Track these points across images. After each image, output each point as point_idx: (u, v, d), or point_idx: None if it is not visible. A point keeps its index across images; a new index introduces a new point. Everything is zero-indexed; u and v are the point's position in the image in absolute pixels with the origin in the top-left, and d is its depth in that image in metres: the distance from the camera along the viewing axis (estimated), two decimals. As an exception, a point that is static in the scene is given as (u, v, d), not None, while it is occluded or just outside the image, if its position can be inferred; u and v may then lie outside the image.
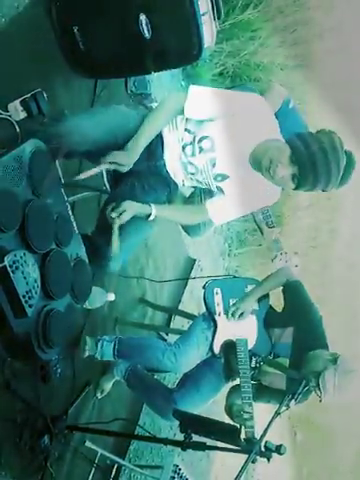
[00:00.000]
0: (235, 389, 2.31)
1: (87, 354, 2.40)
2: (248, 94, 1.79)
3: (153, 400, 2.47)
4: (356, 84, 6.56)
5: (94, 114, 1.82)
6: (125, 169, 1.68)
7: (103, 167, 1.64)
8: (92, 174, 1.62)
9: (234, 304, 2.37)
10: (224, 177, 1.80)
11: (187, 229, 2.22)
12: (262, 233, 2.72)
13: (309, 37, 5.08)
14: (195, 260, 4.11)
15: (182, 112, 1.74)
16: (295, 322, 2.30)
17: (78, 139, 1.66)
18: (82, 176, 1.60)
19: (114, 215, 1.69)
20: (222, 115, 1.70)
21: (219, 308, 2.39)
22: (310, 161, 1.61)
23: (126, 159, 1.66)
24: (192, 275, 3.86)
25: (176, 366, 2.31)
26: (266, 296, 2.43)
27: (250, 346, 2.26)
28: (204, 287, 2.48)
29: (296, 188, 1.72)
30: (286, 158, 1.65)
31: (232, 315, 2.33)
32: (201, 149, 1.76)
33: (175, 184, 1.91)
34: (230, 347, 2.27)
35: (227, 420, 2.26)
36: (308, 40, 5.07)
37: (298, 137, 1.67)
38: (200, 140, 1.75)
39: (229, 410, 2.29)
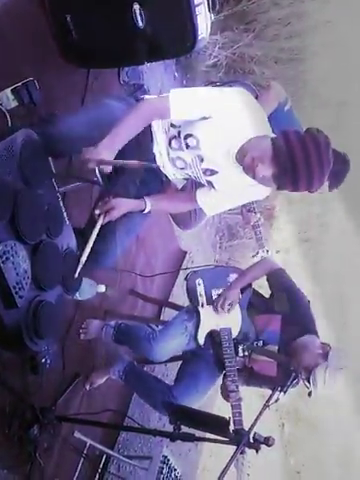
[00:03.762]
0: None
1: (83, 337, 2.48)
2: (232, 91, 1.75)
3: (153, 397, 2.49)
4: (351, 78, 6.56)
5: (85, 115, 1.78)
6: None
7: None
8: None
9: (220, 296, 2.38)
10: (213, 172, 1.79)
11: (178, 221, 2.22)
12: (243, 217, 2.72)
13: (304, 30, 5.06)
14: (186, 252, 4.12)
15: (158, 117, 1.71)
16: (283, 309, 2.32)
17: (71, 143, 1.64)
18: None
19: (98, 212, 1.67)
20: (206, 115, 1.65)
21: (202, 299, 2.41)
22: (290, 162, 1.55)
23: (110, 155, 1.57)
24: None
25: (151, 352, 2.38)
26: (249, 284, 2.45)
27: (235, 334, 2.28)
28: (186, 279, 2.49)
29: (278, 188, 1.68)
30: (268, 158, 1.60)
31: (221, 307, 2.35)
32: (188, 145, 1.74)
33: (167, 177, 1.90)
34: (215, 338, 2.30)
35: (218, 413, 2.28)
36: (303, 33, 5.05)
37: (283, 136, 1.61)
38: (185, 137, 1.72)
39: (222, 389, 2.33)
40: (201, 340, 2.34)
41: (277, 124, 1.84)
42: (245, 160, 1.65)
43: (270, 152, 1.60)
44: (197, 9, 2.17)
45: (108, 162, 1.57)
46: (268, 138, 1.64)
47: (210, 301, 2.41)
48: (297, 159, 1.55)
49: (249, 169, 1.65)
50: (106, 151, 1.55)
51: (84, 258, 1.65)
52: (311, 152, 1.54)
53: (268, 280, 2.45)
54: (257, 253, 2.64)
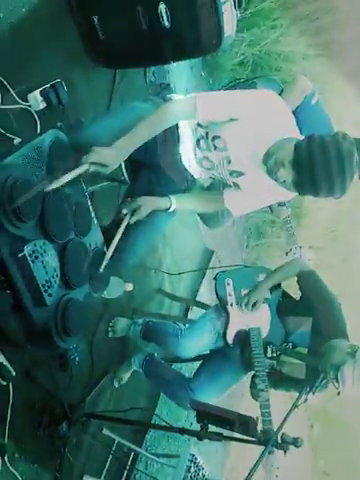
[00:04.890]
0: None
1: (111, 335, 2.54)
2: (259, 92, 1.73)
3: (170, 389, 2.51)
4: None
5: (112, 120, 1.77)
6: (108, 171, 1.51)
7: (84, 169, 1.46)
8: (72, 177, 1.45)
9: (246, 295, 2.38)
10: (239, 173, 1.77)
11: (206, 220, 2.21)
12: (272, 211, 2.68)
13: (332, 26, 4.98)
14: (213, 252, 4.11)
15: (183, 118, 1.69)
16: (313, 311, 2.29)
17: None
18: (61, 181, 1.41)
19: (125, 211, 1.68)
20: (233, 117, 1.64)
21: (231, 298, 2.40)
22: (310, 168, 1.52)
23: (112, 159, 1.50)
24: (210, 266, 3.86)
25: (178, 348, 2.38)
26: (278, 285, 2.43)
27: (263, 335, 2.27)
28: (215, 278, 2.49)
29: (299, 194, 1.65)
30: (288, 162, 1.58)
31: (246, 306, 2.34)
32: (215, 147, 1.73)
33: (192, 177, 1.90)
34: (244, 337, 2.29)
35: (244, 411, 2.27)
36: (331, 29, 4.96)
37: (307, 141, 1.58)
38: (213, 139, 1.72)
39: (251, 389, 2.32)
40: (230, 339, 2.34)
41: (304, 118, 1.82)
42: (269, 164, 1.64)
43: (291, 157, 1.57)
44: (223, 7, 2.16)
45: None
46: (293, 142, 1.61)
47: (239, 301, 2.40)
48: (316, 165, 1.52)
49: (271, 172, 1.64)
50: (118, 151, 1.53)
51: (110, 253, 1.66)
52: (332, 159, 1.50)
53: (298, 282, 2.41)
54: (290, 250, 2.60)
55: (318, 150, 1.53)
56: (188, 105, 1.64)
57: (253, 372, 2.31)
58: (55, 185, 1.40)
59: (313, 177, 1.52)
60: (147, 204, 1.71)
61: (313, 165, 1.52)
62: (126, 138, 1.55)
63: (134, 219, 1.69)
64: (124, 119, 1.71)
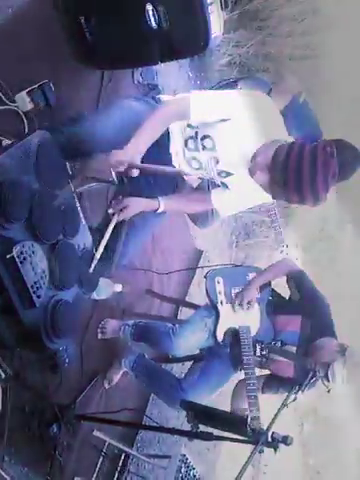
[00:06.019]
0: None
1: (101, 336, 2.54)
2: (249, 93, 1.75)
3: (161, 389, 2.51)
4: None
5: (108, 116, 1.80)
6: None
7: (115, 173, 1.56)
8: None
9: (239, 294, 2.39)
10: (228, 174, 1.79)
11: (195, 220, 2.22)
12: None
13: (319, 26, 5.01)
14: (202, 252, 4.12)
15: (179, 119, 1.71)
16: (302, 311, 2.32)
17: (94, 143, 1.67)
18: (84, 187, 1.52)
19: (111, 211, 1.69)
20: (224, 118, 1.65)
21: (221, 297, 2.42)
22: (282, 175, 1.53)
23: (131, 157, 1.56)
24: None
25: (171, 347, 2.39)
26: (268, 284, 2.45)
27: (253, 333, 2.29)
28: (205, 277, 2.50)
29: (273, 197, 1.67)
30: (266, 167, 1.59)
31: (240, 305, 2.35)
32: (204, 147, 1.75)
33: (182, 177, 1.91)
34: (233, 336, 2.30)
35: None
36: (317, 30, 5.00)
37: (287, 147, 1.58)
38: (202, 138, 1.73)
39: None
40: (220, 337, 2.35)
41: (292, 117, 1.83)
42: (250, 165, 1.66)
43: (269, 161, 1.59)
44: (210, 8, 2.17)
45: (137, 166, 1.56)
46: (276, 146, 1.62)
47: (229, 299, 2.42)
48: (289, 174, 1.52)
49: (250, 174, 1.65)
50: (134, 154, 1.56)
51: (98, 254, 1.67)
52: (304, 170, 1.50)
53: (288, 281, 2.44)
54: (277, 248, 2.62)
55: (293, 158, 1.53)
56: (182, 106, 1.66)
57: (242, 372, 2.33)
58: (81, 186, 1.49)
59: (285, 184, 1.53)
60: (134, 205, 1.72)
61: (286, 173, 1.53)
62: (133, 143, 1.57)
63: (120, 218, 1.69)
64: (120, 115, 1.75)
